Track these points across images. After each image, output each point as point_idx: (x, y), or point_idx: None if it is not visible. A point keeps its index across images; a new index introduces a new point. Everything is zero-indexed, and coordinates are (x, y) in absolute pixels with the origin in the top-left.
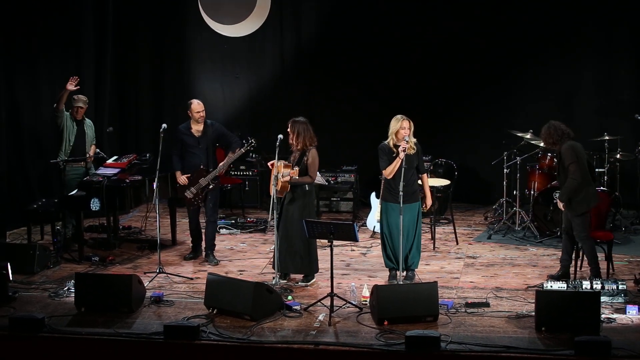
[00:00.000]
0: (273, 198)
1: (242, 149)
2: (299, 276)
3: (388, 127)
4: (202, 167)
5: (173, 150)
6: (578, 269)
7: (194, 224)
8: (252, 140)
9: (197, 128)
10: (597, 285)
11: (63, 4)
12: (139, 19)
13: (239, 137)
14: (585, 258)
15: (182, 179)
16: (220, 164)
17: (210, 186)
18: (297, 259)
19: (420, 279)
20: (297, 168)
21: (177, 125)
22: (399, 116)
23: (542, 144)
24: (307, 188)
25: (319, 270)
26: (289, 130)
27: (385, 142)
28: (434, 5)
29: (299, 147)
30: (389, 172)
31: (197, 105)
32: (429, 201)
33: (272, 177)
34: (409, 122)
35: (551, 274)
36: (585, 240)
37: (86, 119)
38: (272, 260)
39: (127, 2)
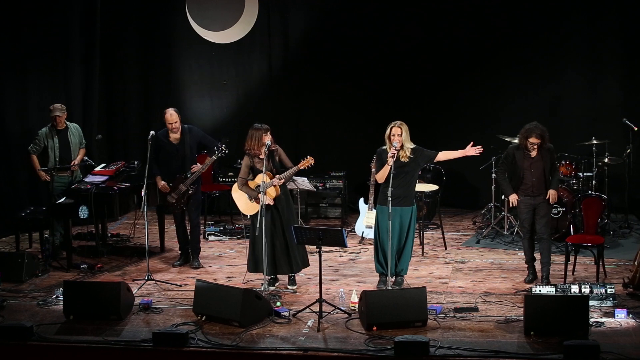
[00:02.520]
0: (262, 205)
1: (213, 157)
2: (286, 281)
3: (376, 133)
4: (180, 175)
5: (151, 157)
6: (569, 272)
7: (180, 229)
8: (223, 146)
9: (174, 136)
10: (586, 289)
11: (51, 12)
12: (126, 25)
13: (226, 143)
14: (571, 262)
15: (162, 184)
16: (195, 170)
17: (190, 191)
18: (290, 256)
19: (409, 284)
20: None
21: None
22: (392, 122)
23: (534, 140)
24: (286, 189)
25: (309, 277)
26: (269, 133)
27: (384, 147)
28: (422, 10)
29: (270, 148)
30: (379, 176)
31: (169, 116)
32: (470, 150)
33: (262, 185)
34: (400, 128)
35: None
36: (550, 238)
37: (70, 124)
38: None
39: (114, 9)
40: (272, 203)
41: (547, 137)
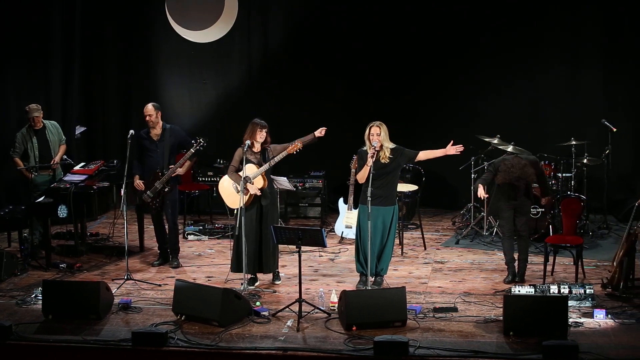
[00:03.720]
0: (241, 202)
1: (191, 150)
2: (267, 279)
3: (356, 133)
4: (157, 171)
5: (133, 155)
6: (548, 273)
7: (158, 227)
8: (201, 140)
9: (155, 132)
10: (565, 290)
11: (30, 12)
12: (106, 25)
13: (206, 142)
14: (550, 262)
15: (138, 183)
16: (172, 166)
17: (166, 189)
18: (271, 257)
19: (389, 284)
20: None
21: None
22: (371, 122)
23: (509, 149)
24: (274, 188)
25: (288, 277)
26: (265, 131)
27: (364, 147)
28: (400, 10)
29: (264, 146)
30: (360, 177)
31: (145, 109)
32: (450, 149)
33: (242, 181)
34: (378, 127)
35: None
36: (528, 236)
37: (46, 122)
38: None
39: (94, 8)
40: (259, 193)
41: (528, 170)
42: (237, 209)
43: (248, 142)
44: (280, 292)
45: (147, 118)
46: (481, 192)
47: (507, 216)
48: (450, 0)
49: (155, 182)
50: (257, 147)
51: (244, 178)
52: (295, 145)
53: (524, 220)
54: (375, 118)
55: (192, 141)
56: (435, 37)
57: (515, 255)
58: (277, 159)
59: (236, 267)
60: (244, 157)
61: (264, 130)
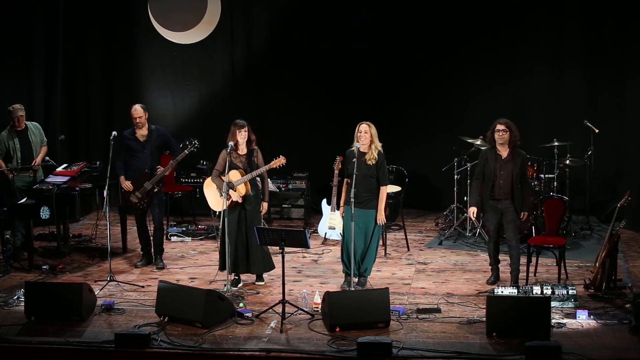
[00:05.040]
0: (224, 204)
1: (185, 151)
2: (250, 281)
3: (339, 134)
4: (146, 170)
5: (117, 156)
6: (530, 274)
7: (142, 228)
8: (195, 141)
9: (141, 133)
10: (548, 291)
11: (13, 13)
12: (89, 26)
13: (188, 143)
14: (533, 263)
15: (127, 184)
16: (159, 167)
17: (155, 189)
18: (258, 258)
19: (372, 285)
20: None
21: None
22: (360, 122)
23: (500, 127)
24: (259, 191)
25: (272, 278)
26: (246, 131)
27: (351, 148)
28: (384, 13)
29: (249, 147)
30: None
31: (133, 111)
32: (379, 215)
33: (224, 185)
34: (367, 125)
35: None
36: (519, 244)
37: (29, 123)
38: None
39: (77, 9)
40: (240, 201)
41: (515, 130)
42: (220, 212)
43: (231, 143)
44: (263, 293)
45: (137, 120)
46: (472, 212)
47: (492, 221)
48: (433, 3)
49: (145, 183)
50: (242, 149)
51: (227, 183)
52: (279, 160)
53: (511, 228)
54: (358, 121)
55: (187, 142)
56: (418, 39)
57: (501, 257)
58: (260, 170)
59: (222, 265)
60: (229, 161)
61: (242, 130)
